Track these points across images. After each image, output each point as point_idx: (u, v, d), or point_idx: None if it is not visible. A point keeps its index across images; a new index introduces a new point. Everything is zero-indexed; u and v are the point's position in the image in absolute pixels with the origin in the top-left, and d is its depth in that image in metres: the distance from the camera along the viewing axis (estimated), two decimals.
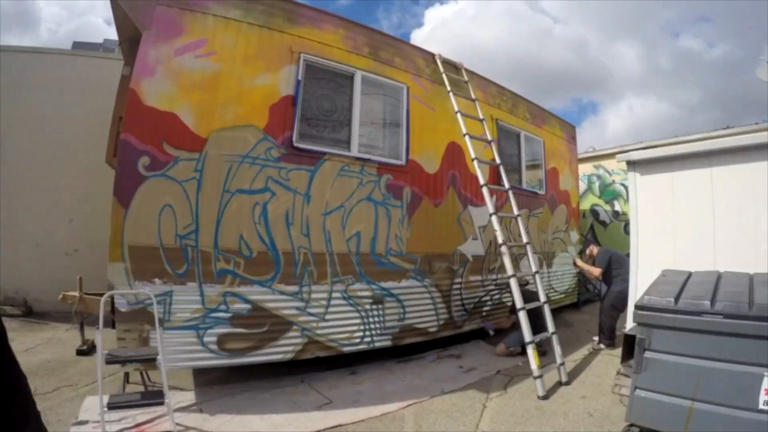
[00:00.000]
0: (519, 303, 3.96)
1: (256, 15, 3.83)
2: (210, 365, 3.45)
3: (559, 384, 3.80)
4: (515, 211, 4.72)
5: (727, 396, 2.26)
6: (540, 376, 3.57)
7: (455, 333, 5.03)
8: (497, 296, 5.66)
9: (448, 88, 5.04)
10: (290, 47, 3.98)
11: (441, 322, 4.83)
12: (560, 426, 3.05)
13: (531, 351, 3.72)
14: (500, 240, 4.21)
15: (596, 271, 5.10)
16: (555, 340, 4.03)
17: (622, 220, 9.04)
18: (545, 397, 3.48)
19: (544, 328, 4.26)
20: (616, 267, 4.98)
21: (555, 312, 6.39)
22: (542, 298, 4.29)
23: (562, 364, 3.90)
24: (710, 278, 2.84)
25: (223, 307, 3.45)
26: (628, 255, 4.35)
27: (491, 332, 5.24)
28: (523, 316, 3.91)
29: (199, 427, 2.92)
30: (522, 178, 6.35)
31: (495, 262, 5.65)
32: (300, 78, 3.99)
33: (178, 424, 2.90)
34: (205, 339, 3.38)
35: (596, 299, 8.46)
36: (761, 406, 2.16)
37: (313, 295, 3.88)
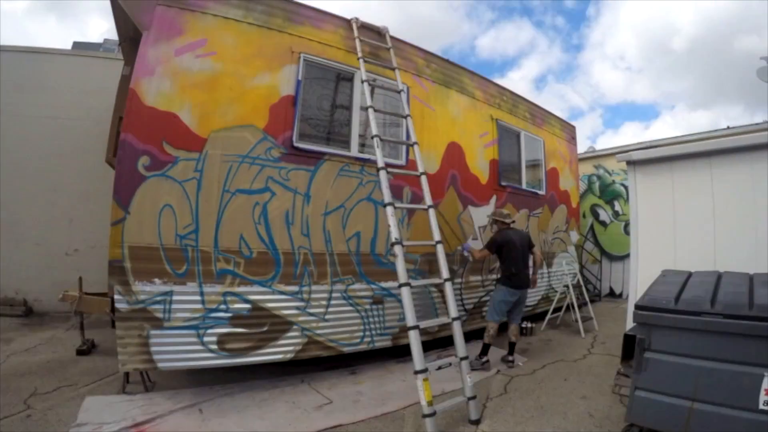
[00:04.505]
0: (445, 273, 3.60)
1: (256, 15, 3.83)
2: (210, 365, 3.45)
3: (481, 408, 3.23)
4: (428, 201, 3.93)
5: (727, 396, 2.26)
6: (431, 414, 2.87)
7: None
8: None
9: (359, 55, 4.28)
10: (290, 47, 3.98)
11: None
12: (560, 426, 3.05)
13: (420, 383, 2.95)
14: (395, 237, 3.45)
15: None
16: (465, 367, 3.28)
17: (622, 220, 9.04)
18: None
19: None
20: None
21: (555, 312, 6.41)
22: (445, 273, 3.64)
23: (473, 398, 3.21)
24: (710, 278, 2.84)
25: (223, 307, 3.45)
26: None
27: (466, 253, 4.66)
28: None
29: (199, 427, 2.92)
30: (522, 178, 6.35)
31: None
32: (300, 78, 3.99)
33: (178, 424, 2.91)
34: (205, 339, 3.38)
35: (596, 299, 8.48)
36: (761, 406, 2.16)
37: (313, 295, 3.88)
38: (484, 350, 4.39)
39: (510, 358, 4.52)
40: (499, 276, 4.63)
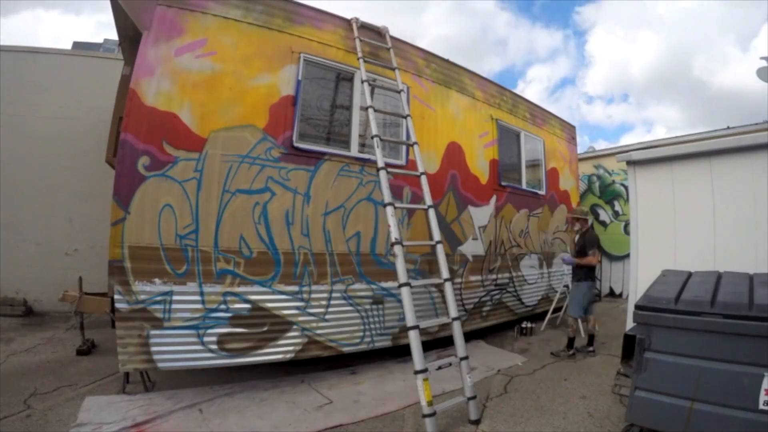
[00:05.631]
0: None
1: (256, 15, 3.83)
2: (210, 365, 3.45)
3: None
4: (428, 201, 3.93)
5: (727, 396, 2.26)
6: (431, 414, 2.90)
7: None
8: (497, 296, 5.66)
9: (359, 55, 4.29)
10: (290, 47, 3.98)
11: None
12: (560, 426, 3.05)
13: (420, 383, 2.97)
14: (395, 237, 3.43)
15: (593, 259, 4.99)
16: (465, 367, 3.28)
17: (622, 220, 9.04)
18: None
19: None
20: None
21: (555, 312, 6.41)
22: (445, 273, 3.73)
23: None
24: (710, 278, 2.84)
25: (223, 307, 3.45)
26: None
27: (568, 264, 5.61)
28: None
29: (199, 427, 2.92)
30: (522, 178, 6.35)
31: (495, 262, 5.65)
32: (300, 78, 3.99)
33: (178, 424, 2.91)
34: (205, 339, 3.38)
35: (596, 299, 8.47)
36: (761, 406, 2.15)
37: (313, 295, 3.88)
38: (570, 344, 4.86)
39: (590, 348, 4.93)
40: (580, 273, 5.00)
